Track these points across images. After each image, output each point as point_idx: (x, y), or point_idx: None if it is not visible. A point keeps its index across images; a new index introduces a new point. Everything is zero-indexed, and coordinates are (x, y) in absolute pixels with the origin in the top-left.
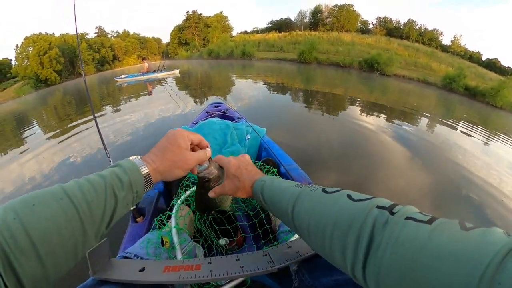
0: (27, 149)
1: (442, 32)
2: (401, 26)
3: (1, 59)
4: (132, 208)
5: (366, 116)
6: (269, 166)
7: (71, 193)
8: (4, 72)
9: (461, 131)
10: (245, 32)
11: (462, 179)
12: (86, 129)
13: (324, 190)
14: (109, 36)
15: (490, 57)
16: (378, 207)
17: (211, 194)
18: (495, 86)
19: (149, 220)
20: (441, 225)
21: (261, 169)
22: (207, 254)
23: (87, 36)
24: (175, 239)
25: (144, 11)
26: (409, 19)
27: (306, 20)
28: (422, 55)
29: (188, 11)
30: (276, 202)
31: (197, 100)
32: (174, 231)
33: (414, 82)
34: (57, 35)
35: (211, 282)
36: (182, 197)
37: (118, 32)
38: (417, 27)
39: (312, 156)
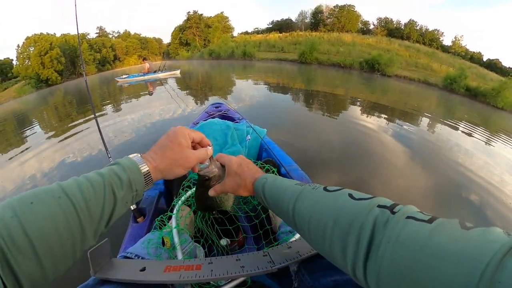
0: (27, 148)
1: (443, 33)
2: (402, 27)
3: (3, 59)
4: (133, 208)
5: (367, 116)
6: (268, 166)
7: (70, 191)
8: (5, 72)
9: (462, 131)
10: (246, 33)
11: (463, 179)
12: (86, 129)
13: (325, 189)
14: (110, 36)
15: (491, 58)
16: (379, 206)
17: (211, 192)
18: (496, 86)
19: (150, 220)
20: (441, 225)
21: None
22: (208, 254)
23: (88, 36)
24: (176, 239)
25: (144, 11)
26: (410, 20)
27: (307, 20)
28: (423, 56)
29: (189, 12)
30: (277, 200)
31: (197, 100)
32: (175, 231)
33: (415, 82)
34: (58, 35)
35: (212, 282)
36: (183, 198)
37: (119, 32)
38: (418, 28)
39: (312, 157)
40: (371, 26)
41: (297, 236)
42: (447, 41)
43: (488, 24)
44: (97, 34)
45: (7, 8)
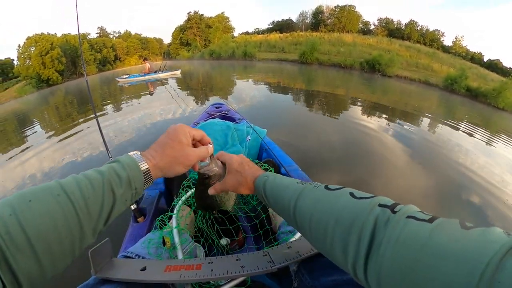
0: (28, 148)
1: (443, 33)
2: (403, 27)
3: (4, 59)
4: (133, 208)
5: (368, 116)
6: (266, 165)
7: (68, 189)
8: (6, 72)
9: (463, 132)
10: (247, 33)
11: (464, 179)
12: (87, 128)
13: (326, 187)
14: (111, 36)
15: (492, 58)
16: (380, 205)
17: (211, 191)
18: (497, 87)
19: (150, 220)
20: (441, 224)
21: None
22: (208, 254)
23: (89, 36)
24: (176, 239)
25: (145, 11)
26: (411, 20)
27: (308, 21)
28: (424, 56)
29: (189, 12)
30: (278, 198)
31: (198, 100)
32: (175, 231)
33: (415, 83)
34: (58, 35)
35: (212, 281)
36: (183, 198)
37: (120, 32)
38: (418, 28)
39: (313, 157)
40: (372, 27)
41: (297, 236)
42: (447, 41)
43: (488, 24)
44: (98, 34)
45: (7, 8)
